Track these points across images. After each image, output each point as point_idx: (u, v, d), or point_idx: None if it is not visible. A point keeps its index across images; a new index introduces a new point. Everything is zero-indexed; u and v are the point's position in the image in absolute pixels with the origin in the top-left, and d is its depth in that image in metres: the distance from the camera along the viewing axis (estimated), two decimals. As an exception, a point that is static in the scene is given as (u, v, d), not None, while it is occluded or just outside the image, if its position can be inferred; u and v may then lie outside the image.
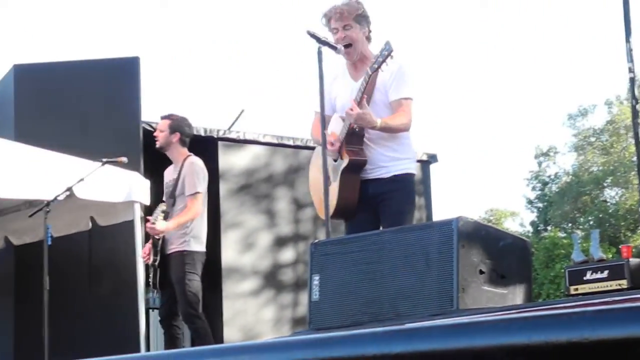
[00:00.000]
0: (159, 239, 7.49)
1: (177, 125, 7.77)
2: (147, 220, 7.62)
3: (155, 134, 7.78)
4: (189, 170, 7.59)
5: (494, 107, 63.39)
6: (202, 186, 7.58)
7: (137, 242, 8.48)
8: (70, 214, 8.80)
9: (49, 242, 7.47)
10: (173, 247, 7.52)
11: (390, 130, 5.36)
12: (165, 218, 7.50)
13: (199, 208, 7.55)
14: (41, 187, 7.79)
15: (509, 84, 60.60)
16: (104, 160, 7.69)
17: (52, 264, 7.48)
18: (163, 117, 7.84)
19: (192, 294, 7.42)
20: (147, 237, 8.05)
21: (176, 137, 7.73)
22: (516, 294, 4.62)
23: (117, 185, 8.29)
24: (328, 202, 5.21)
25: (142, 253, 7.80)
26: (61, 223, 8.62)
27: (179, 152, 7.73)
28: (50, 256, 7.46)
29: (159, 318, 7.83)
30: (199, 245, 7.57)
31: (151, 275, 7.58)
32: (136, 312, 8.41)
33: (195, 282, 7.46)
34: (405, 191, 5.48)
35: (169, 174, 7.82)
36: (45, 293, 7.39)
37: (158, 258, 7.50)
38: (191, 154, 7.76)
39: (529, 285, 4.77)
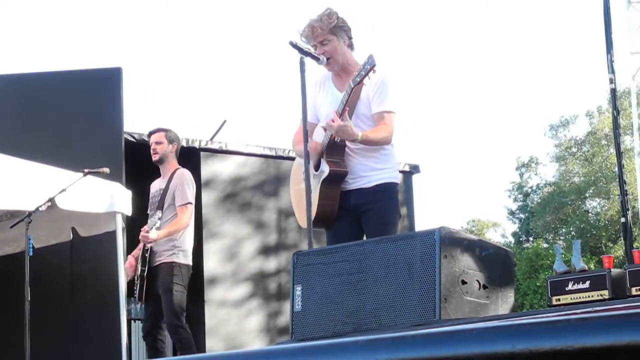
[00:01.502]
0: (147, 250, 7.49)
1: (175, 136, 7.86)
2: (140, 230, 7.64)
3: (152, 147, 7.76)
4: (180, 181, 7.63)
5: (475, 118, 63.58)
6: (193, 197, 7.64)
7: (119, 252, 8.46)
8: (51, 225, 8.78)
9: (31, 253, 7.44)
10: (161, 259, 7.53)
11: (371, 143, 5.37)
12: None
13: (189, 218, 7.61)
14: (22, 198, 7.76)
15: (490, 95, 60.81)
16: (86, 170, 7.68)
17: (33, 274, 7.45)
18: (155, 131, 7.81)
19: (177, 305, 7.45)
20: (129, 248, 8.04)
21: (174, 147, 7.82)
22: (499, 304, 4.62)
23: (99, 196, 8.27)
24: (310, 213, 5.21)
25: (126, 265, 7.76)
26: (43, 234, 8.60)
27: (172, 164, 7.78)
28: (31, 267, 7.43)
29: (142, 333, 7.82)
30: (186, 258, 7.61)
31: (137, 287, 7.56)
32: (118, 323, 8.38)
33: (181, 294, 7.50)
34: (388, 201, 5.48)
35: (156, 185, 7.83)
36: (27, 304, 7.36)
37: (146, 269, 7.50)
38: (179, 166, 7.80)
39: (511, 295, 4.77)
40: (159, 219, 7.52)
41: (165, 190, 7.64)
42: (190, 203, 7.61)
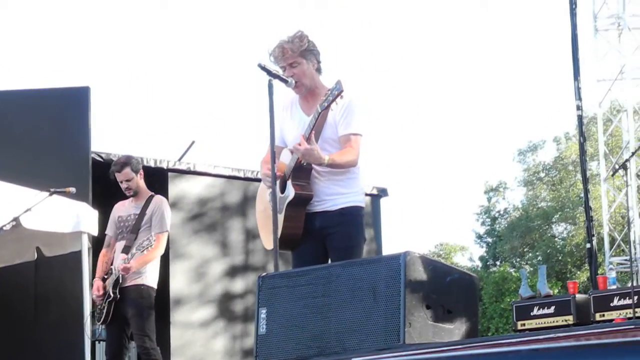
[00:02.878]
0: (118, 272, 7.47)
1: (136, 163, 7.86)
2: (104, 256, 7.64)
3: (124, 185, 7.73)
4: (159, 208, 7.70)
5: (445, 142, 63.85)
6: (169, 226, 7.70)
7: (84, 273, 8.42)
8: (16, 244, 8.72)
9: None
10: (131, 281, 7.53)
11: (337, 167, 5.38)
12: (127, 253, 7.51)
13: (164, 246, 7.67)
14: (-13, 217, 7.70)
15: (460, 119, 61.10)
16: (52, 190, 7.64)
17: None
18: (119, 169, 7.76)
19: (149, 327, 7.51)
20: (94, 268, 8.00)
21: (141, 175, 7.84)
22: (462, 329, 4.63)
23: (64, 216, 8.23)
24: (277, 235, 5.21)
25: (94, 290, 7.71)
26: (7, 253, 8.54)
27: (144, 190, 7.78)
28: (-5, 286, 7.38)
29: (107, 356, 7.77)
30: (153, 281, 7.63)
31: (104, 309, 7.53)
32: (82, 344, 8.33)
33: (151, 316, 7.55)
34: (354, 224, 5.48)
35: (125, 209, 7.80)
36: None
37: (117, 291, 7.49)
38: (151, 192, 7.82)
39: (475, 320, 4.79)
40: (135, 247, 7.50)
41: (141, 215, 7.66)
42: (167, 231, 7.69)
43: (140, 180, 7.77)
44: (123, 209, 7.82)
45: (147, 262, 7.52)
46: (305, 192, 5.40)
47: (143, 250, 7.37)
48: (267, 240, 5.54)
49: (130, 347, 7.75)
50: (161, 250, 7.64)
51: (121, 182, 7.74)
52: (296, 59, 5.47)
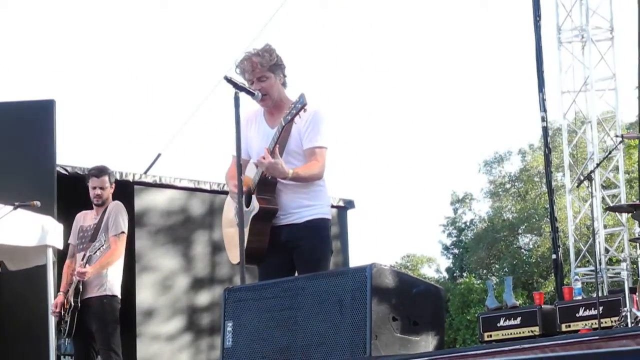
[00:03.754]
0: (79, 282, 7.39)
1: (113, 176, 7.86)
2: (68, 267, 7.56)
3: (96, 192, 7.66)
4: (114, 211, 7.61)
5: (411, 154, 64.09)
6: (126, 227, 7.61)
7: (50, 287, 8.37)
8: (-21, 258, 8.64)
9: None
10: (92, 293, 7.44)
11: (302, 180, 5.37)
12: (88, 262, 7.43)
13: (123, 248, 7.55)
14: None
15: (425, 130, 61.41)
16: (16, 204, 7.58)
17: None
18: (97, 173, 7.71)
19: (113, 340, 7.45)
20: (59, 284, 7.94)
21: (113, 188, 7.81)
22: (429, 341, 4.64)
23: (29, 229, 8.18)
24: (244, 248, 5.20)
25: (56, 302, 7.63)
26: (-30, 267, 8.46)
27: (109, 202, 7.71)
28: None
29: None
30: (116, 289, 7.55)
31: (67, 322, 7.45)
32: (47, 359, 8.26)
33: (116, 328, 7.49)
34: (320, 237, 5.48)
35: (87, 219, 7.74)
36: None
37: (79, 300, 7.40)
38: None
39: (441, 332, 4.80)
40: (89, 250, 7.44)
41: (99, 223, 7.60)
42: (124, 232, 7.57)
43: (110, 192, 7.72)
44: (85, 219, 7.76)
45: (104, 266, 7.40)
46: (271, 205, 5.39)
47: (95, 252, 7.29)
48: (233, 255, 5.53)
49: None
50: (119, 254, 7.51)
51: (95, 188, 7.65)
52: (265, 73, 5.47)
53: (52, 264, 8.46)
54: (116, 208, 7.64)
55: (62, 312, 7.50)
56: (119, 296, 7.58)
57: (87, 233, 7.67)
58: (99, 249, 7.32)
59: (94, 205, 7.71)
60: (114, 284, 7.53)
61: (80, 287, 7.42)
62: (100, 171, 7.71)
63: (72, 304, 7.40)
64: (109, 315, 7.45)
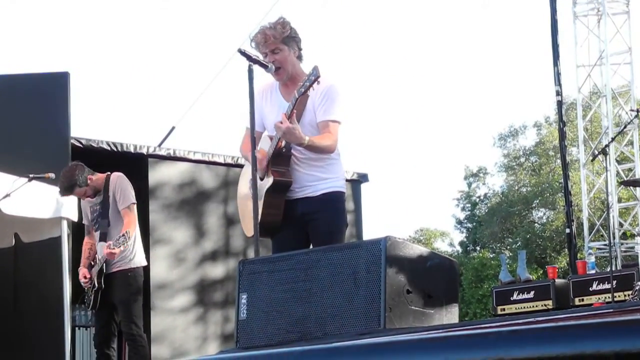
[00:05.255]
0: (103, 258, 7.44)
1: (82, 177, 7.70)
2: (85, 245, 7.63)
3: (84, 194, 7.72)
4: (119, 184, 7.61)
5: (425, 128, 63.98)
6: (134, 196, 7.64)
7: (64, 258, 8.39)
8: (-7, 230, 8.68)
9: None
10: (117, 267, 7.50)
11: (315, 150, 5.36)
12: (105, 240, 7.47)
13: (136, 218, 7.60)
14: (-35, 203, 7.66)
15: (440, 104, 61.19)
16: (31, 176, 7.60)
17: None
18: (66, 192, 7.76)
19: (136, 314, 7.51)
20: (74, 254, 7.97)
21: (90, 180, 7.72)
22: (443, 314, 4.65)
23: (44, 202, 8.19)
24: (257, 221, 5.21)
25: (81, 277, 7.67)
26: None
27: (100, 180, 7.70)
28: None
29: (94, 341, 7.78)
30: (140, 260, 7.61)
31: (92, 296, 7.51)
32: (62, 331, 8.31)
33: (139, 302, 7.54)
34: (335, 210, 5.48)
35: (89, 202, 7.78)
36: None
37: (102, 281, 7.48)
38: (107, 173, 7.76)
39: (455, 305, 4.81)
40: (108, 225, 7.49)
41: (105, 198, 7.62)
42: (134, 203, 7.62)
43: (93, 183, 7.70)
44: (87, 203, 7.82)
45: (126, 241, 7.37)
46: (285, 178, 5.39)
47: (120, 246, 7.32)
48: (247, 228, 5.54)
49: (116, 333, 7.73)
50: (134, 225, 7.55)
51: (81, 196, 7.75)
52: (278, 45, 5.46)
53: (66, 236, 8.48)
54: (119, 181, 7.66)
55: (87, 289, 7.57)
56: (143, 265, 7.66)
57: (96, 212, 7.69)
58: (123, 243, 7.28)
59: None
60: (137, 254, 7.61)
61: (104, 268, 7.47)
62: (67, 189, 7.69)
63: (97, 284, 7.47)
64: (133, 287, 7.53)
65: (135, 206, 7.65)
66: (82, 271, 7.64)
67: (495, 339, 1.81)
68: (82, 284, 7.66)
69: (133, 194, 7.68)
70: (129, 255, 7.54)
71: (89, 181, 7.67)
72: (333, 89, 5.42)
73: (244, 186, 5.66)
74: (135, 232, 7.61)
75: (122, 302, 7.49)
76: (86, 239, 7.82)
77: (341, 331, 4.30)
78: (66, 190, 7.68)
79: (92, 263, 7.62)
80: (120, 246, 7.27)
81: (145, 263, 7.72)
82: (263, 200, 5.34)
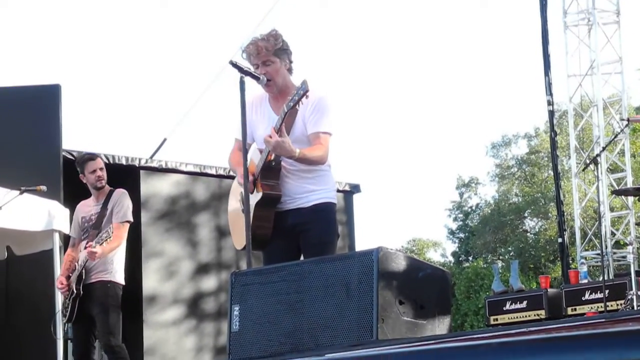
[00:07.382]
0: (82, 267, 7.39)
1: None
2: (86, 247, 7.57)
3: (97, 174, 7.62)
4: (121, 199, 7.59)
5: (417, 138, 64.01)
6: (131, 217, 7.59)
7: (56, 271, 8.39)
8: (-15, 243, 8.66)
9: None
10: (97, 277, 7.43)
11: (307, 162, 5.36)
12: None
13: (125, 236, 7.53)
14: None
15: (432, 114, 61.28)
16: (23, 188, 7.59)
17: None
18: (93, 155, 7.74)
19: (114, 325, 7.41)
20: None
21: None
22: (435, 325, 4.65)
23: (36, 214, 8.18)
24: (250, 233, 5.20)
25: (58, 285, 7.63)
26: (-24, 252, 8.47)
27: (106, 187, 7.69)
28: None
29: (74, 356, 7.70)
30: (120, 277, 7.54)
31: (68, 307, 7.44)
32: (54, 344, 8.27)
33: (117, 314, 7.45)
34: (326, 221, 5.47)
35: (88, 209, 7.72)
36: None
37: (80, 287, 7.40)
38: (112, 188, 7.75)
39: (448, 315, 4.81)
40: (95, 241, 7.44)
41: (103, 210, 7.57)
42: (129, 222, 7.56)
43: (90, 182, 7.68)
44: (86, 210, 7.72)
45: (112, 249, 7.36)
46: (274, 192, 5.38)
47: (102, 243, 7.25)
48: (237, 240, 5.54)
49: (97, 346, 7.66)
50: (121, 240, 7.47)
51: (94, 171, 7.60)
52: (270, 57, 5.46)
53: (58, 248, 8.47)
54: (121, 197, 7.61)
55: (65, 297, 7.51)
56: (123, 284, 7.58)
57: (89, 223, 7.62)
58: (106, 240, 7.25)
59: (95, 190, 7.65)
60: (118, 270, 7.53)
61: (83, 274, 7.41)
62: (92, 154, 7.73)
63: (75, 291, 7.40)
64: (112, 300, 7.42)
65: (128, 225, 7.57)
66: (59, 279, 7.58)
67: (484, 351, 1.81)
68: (59, 291, 7.61)
69: (131, 212, 7.62)
70: (110, 269, 7.46)
71: (84, 178, 7.65)
72: (323, 102, 5.42)
73: (233, 200, 5.66)
74: (120, 251, 7.53)
75: (99, 313, 7.40)
76: (69, 251, 7.71)
77: (334, 342, 4.29)
78: (90, 154, 7.80)
79: (70, 275, 7.53)
80: (102, 243, 7.18)
81: (123, 283, 7.59)
82: (252, 214, 5.32)
